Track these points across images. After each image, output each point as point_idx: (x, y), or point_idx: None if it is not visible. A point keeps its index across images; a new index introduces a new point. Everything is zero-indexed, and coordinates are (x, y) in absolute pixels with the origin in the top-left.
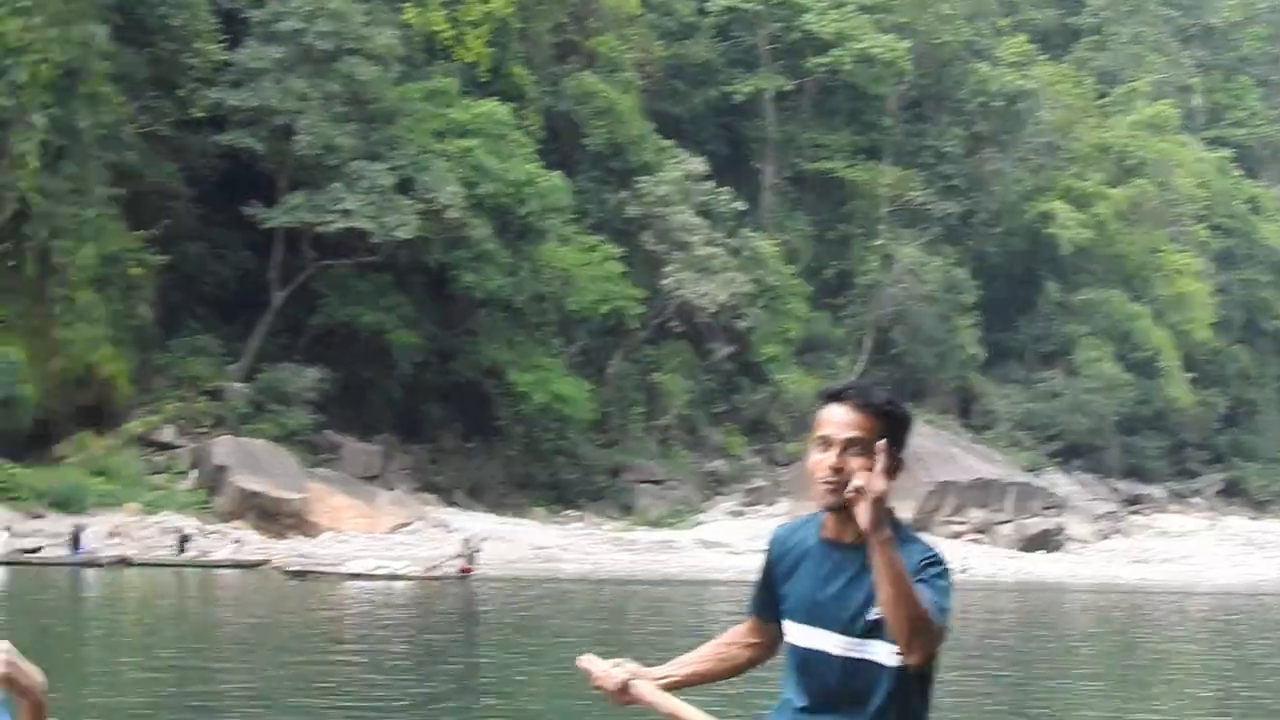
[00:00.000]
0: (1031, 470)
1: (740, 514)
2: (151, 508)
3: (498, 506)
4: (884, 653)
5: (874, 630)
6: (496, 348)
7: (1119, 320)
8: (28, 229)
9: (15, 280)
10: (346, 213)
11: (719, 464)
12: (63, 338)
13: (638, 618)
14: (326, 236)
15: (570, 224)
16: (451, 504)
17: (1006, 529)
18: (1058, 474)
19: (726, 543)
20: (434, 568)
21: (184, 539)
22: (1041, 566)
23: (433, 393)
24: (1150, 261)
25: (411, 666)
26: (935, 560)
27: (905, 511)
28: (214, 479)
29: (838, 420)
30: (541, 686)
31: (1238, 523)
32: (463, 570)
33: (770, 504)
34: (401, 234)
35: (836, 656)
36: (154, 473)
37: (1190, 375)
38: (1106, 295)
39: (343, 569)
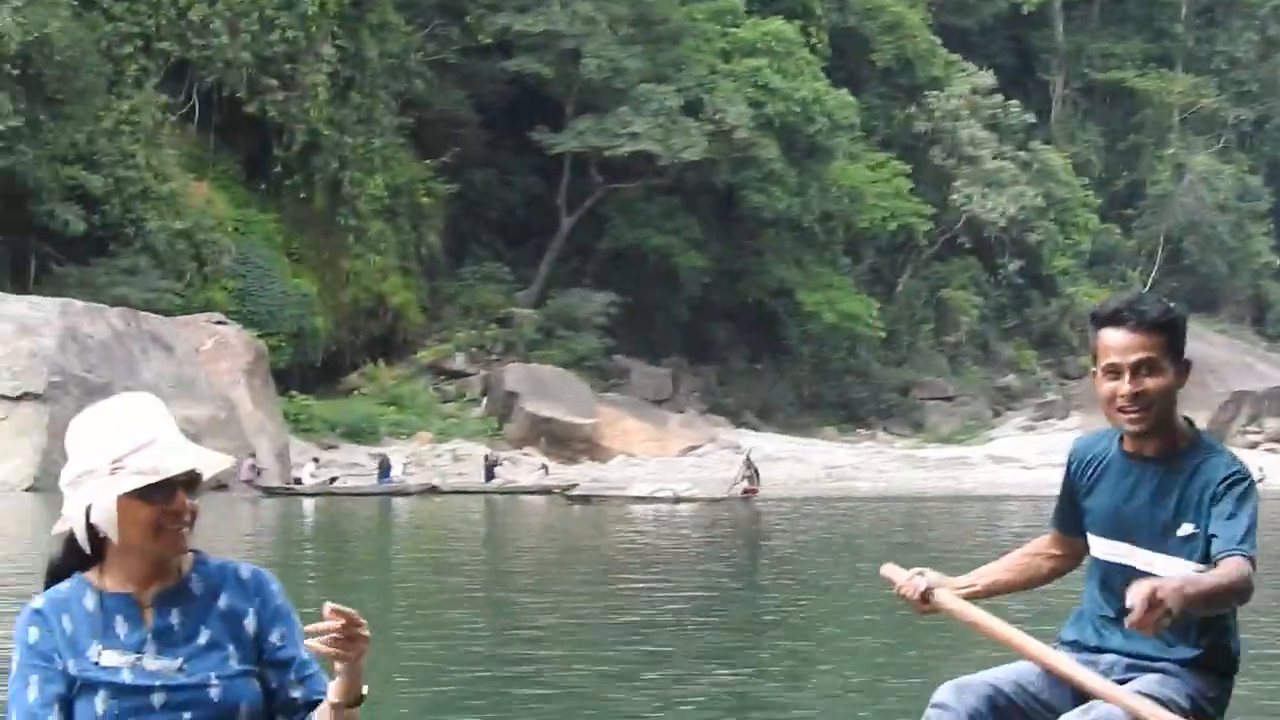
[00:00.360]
0: None
1: (1032, 429)
2: (443, 436)
3: (787, 427)
4: (1191, 570)
5: (1185, 548)
6: (784, 267)
7: None
8: (317, 160)
9: (305, 212)
10: (634, 136)
11: (1010, 379)
12: (353, 268)
13: (931, 533)
14: (614, 160)
15: (858, 141)
16: (741, 425)
17: None
18: None
19: (1019, 458)
20: (732, 487)
21: (492, 465)
22: None
23: (720, 314)
24: None
25: (698, 584)
26: (1239, 477)
27: (1199, 424)
28: (505, 406)
29: (1120, 344)
30: (821, 603)
31: None
32: (746, 491)
33: (1062, 418)
34: (689, 156)
35: (1145, 571)
36: (445, 401)
37: None
38: None
39: (626, 492)
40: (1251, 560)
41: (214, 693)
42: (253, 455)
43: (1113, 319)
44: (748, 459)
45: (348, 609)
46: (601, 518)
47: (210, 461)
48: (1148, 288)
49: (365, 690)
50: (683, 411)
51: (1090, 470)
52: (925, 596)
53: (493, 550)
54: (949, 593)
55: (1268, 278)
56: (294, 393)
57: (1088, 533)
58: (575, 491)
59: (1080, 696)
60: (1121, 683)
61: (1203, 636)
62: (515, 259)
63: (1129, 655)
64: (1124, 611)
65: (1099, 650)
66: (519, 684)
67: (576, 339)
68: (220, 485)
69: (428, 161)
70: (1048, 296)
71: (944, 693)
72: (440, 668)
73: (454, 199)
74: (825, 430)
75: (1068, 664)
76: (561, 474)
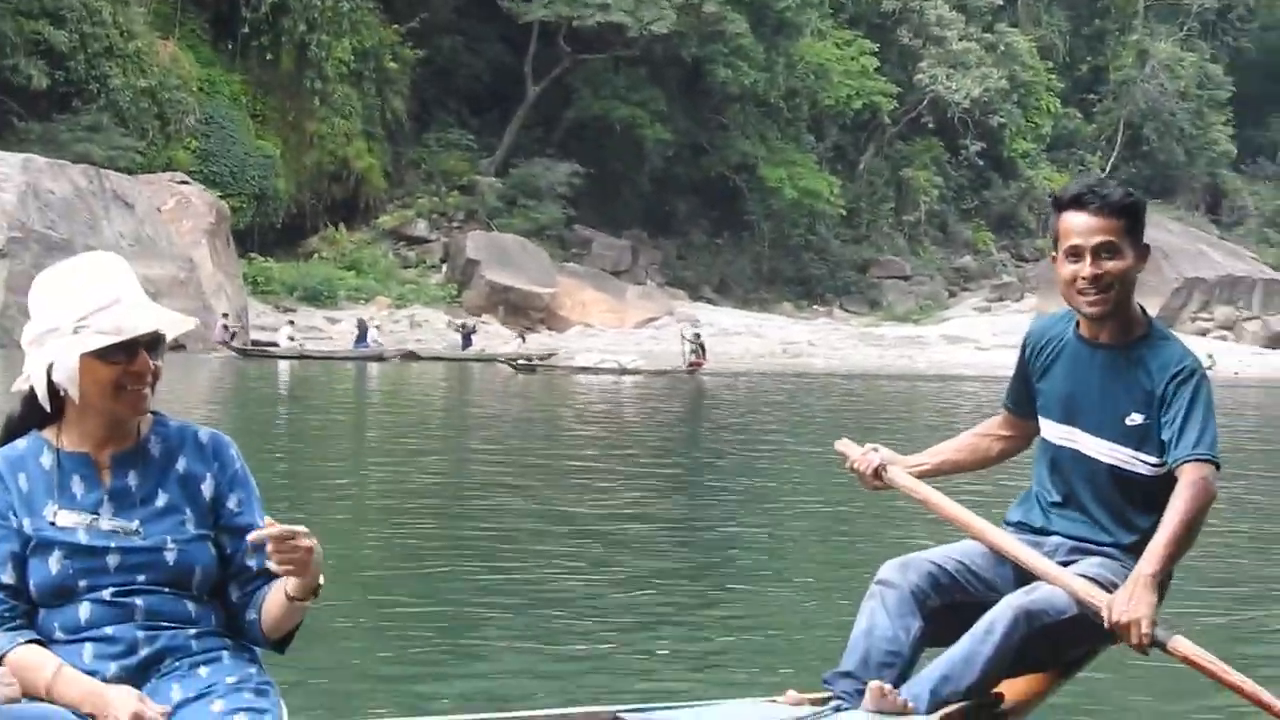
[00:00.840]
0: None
1: (987, 309)
2: (401, 301)
3: (744, 301)
4: (1140, 463)
5: (1131, 437)
6: (748, 143)
7: None
8: (285, 22)
9: (271, 74)
10: (604, 6)
11: (967, 260)
12: (317, 132)
13: (884, 411)
14: (582, 30)
15: (825, 19)
16: (699, 299)
17: (1253, 326)
18: None
19: (973, 338)
20: (692, 359)
21: (469, 333)
22: None
23: (683, 188)
24: None
25: (643, 456)
26: (1188, 372)
27: (1151, 309)
28: (464, 273)
29: (1083, 227)
30: (765, 477)
31: None
32: (692, 365)
33: (1017, 300)
34: (658, 28)
35: (1091, 457)
36: (405, 267)
37: None
38: None
39: (573, 363)
40: (1213, 461)
41: (170, 556)
42: (226, 315)
43: (1075, 202)
44: (695, 333)
45: (283, 528)
46: (550, 388)
47: (173, 322)
48: (1106, 173)
49: (321, 581)
50: (642, 284)
51: (1045, 352)
52: (878, 472)
53: (449, 419)
54: (901, 470)
55: (1224, 167)
56: (253, 254)
57: (1039, 415)
58: (535, 362)
59: (1022, 577)
60: (1064, 564)
61: (1143, 521)
62: (480, 127)
63: (1072, 538)
64: (1074, 494)
65: (1044, 532)
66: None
67: (538, 208)
68: (178, 345)
69: (396, 26)
70: (1007, 179)
71: (888, 569)
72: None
73: (420, 65)
74: (782, 306)
75: (1013, 544)
76: (540, 344)
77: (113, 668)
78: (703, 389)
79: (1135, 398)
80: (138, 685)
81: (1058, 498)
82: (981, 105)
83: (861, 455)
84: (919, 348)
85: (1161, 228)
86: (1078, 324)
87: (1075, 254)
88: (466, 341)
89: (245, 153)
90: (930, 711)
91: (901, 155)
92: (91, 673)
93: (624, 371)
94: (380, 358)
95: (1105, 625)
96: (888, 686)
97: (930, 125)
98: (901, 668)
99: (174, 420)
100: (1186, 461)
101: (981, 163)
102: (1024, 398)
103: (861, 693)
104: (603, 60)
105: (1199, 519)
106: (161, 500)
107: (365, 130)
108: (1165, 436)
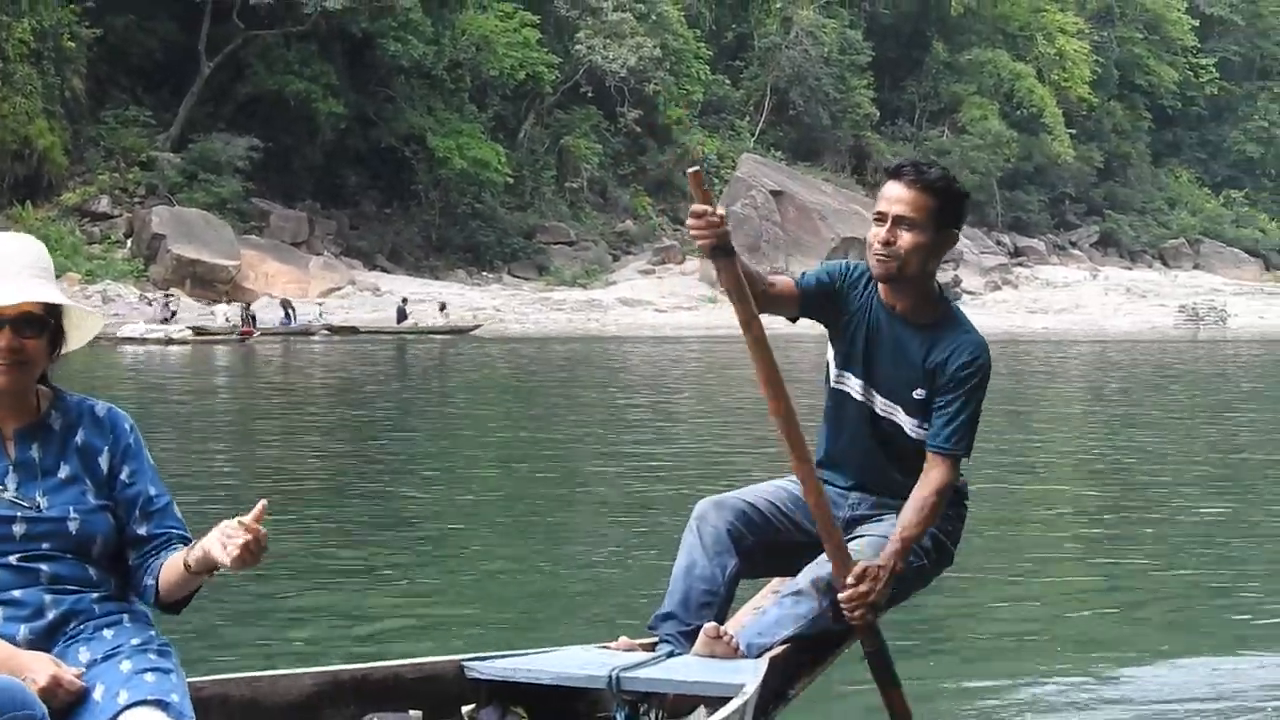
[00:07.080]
0: None
1: (650, 272)
2: (91, 277)
3: (417, 269)
4: (923, 431)
5: (914, 408)
6: (416, 114)
7: (1003, 79)
8: None
9: None
10: None
11: (628, 224)
12: None
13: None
14: (256, 7)
15: None
16: (374, 268)
17: None
18: None
19: (647, 300)
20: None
21: (402, 307)
22: None
23: (353, 160)
24: (1033, 21)
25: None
26: (975, 368)
27: (811, 267)
28: (150, 247)
29: (892, 196)
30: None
31: (1115, 272)
32: (242, 333)
33: (679, 263)
34: (331, 4)
35: (885, 417)
36: (90, 243)
37: (1070, 131)
38: (991, 55)
39: (117, 334)
40: (957, 458)
41: (72, 526)
42: (248, 305)
43: (894, 172)
44: (246, 304)
45: (262, 530)
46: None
47: (39, 296)
48: (755, 137)
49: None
50: (319, 254)
51: (853, 297)
52: (725, 246)
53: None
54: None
55: (867, 129)
56: None
57: (836, 365)
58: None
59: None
60: (866, 518)
61: (910, 484)
62: (155, 103)
63: (874, 494)
64: (865, 456)
65: (850, 489)
66: None
67: (218, 182)
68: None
69: (72, 6)
70: (663, 145)
71: (704, 508)
72: None
73: (96, 44)
74: (454, 273)
75: (817, 491)
76: (460, 315)
77: (22, 630)
78: (250, 354)
79: (921, 375)
80: (45, 647)
81: (852, 450)
82: (637, 74)
83: (723, 215)
84: (601, 311)
85: (816, 189)
86: (878, 288)
87: (880, 218)
88: (401, 315)
89: None
90: (756, 656)
91: (561, 123)
92: (1, 636)
93: (170, 341)
94: (307, 332)
95: (842, 584)
96: (722, 629)
97: (588, 94)
98: (719, 605)
99: (73, 395)
100: (934, 453)
101: (638, 130)
102: (820, 301)
103: (686, 635)
104: (275, 35)
105: (934, 515)
106: (64, 472)
107: (45, 109)
108: (935, 419)
